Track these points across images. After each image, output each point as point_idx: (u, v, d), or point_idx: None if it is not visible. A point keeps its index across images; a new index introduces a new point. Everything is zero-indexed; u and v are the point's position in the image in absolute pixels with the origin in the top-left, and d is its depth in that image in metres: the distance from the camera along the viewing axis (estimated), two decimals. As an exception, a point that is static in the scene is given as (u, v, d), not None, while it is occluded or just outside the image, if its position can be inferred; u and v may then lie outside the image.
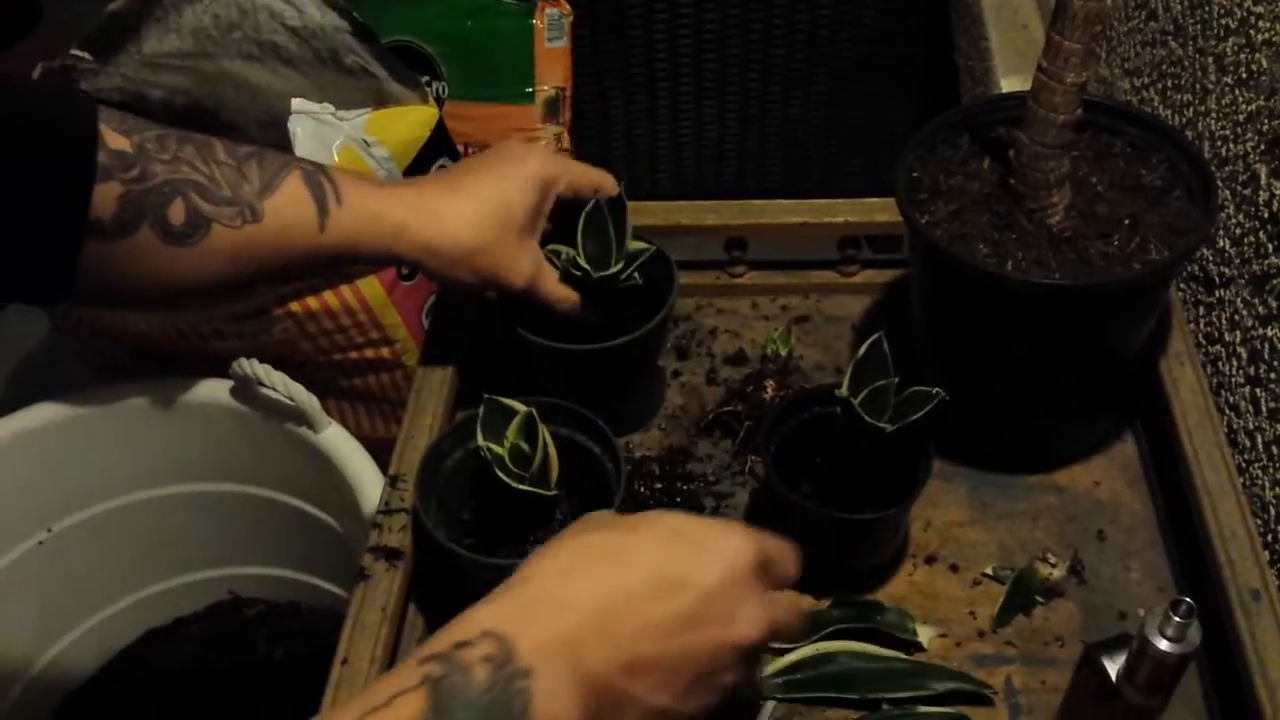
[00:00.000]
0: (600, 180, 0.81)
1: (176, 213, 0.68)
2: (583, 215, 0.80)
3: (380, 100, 1.28)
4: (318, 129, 1.21)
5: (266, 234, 0.71)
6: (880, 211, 0.91)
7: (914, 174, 0.78)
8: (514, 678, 0.49)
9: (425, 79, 1.42)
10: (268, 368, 1.11)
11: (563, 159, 0.81)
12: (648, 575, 0.52)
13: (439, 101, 1.45)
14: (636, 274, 0.81)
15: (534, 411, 0.72)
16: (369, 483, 1.09)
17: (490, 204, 0.76)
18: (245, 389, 1.15)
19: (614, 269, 0.79)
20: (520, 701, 0.48)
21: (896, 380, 0.71)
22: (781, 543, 0.57)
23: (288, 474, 1.22)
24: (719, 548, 0.54)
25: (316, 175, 0.73)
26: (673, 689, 0.52)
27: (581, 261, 0.79)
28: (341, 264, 0.77)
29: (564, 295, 0.80)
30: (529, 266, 0.78)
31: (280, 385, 1.10)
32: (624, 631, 0.51)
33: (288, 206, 0.71)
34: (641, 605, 0.52)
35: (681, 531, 0.54)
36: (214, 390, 1.18)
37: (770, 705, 0.72)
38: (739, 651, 0.54)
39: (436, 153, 1.29)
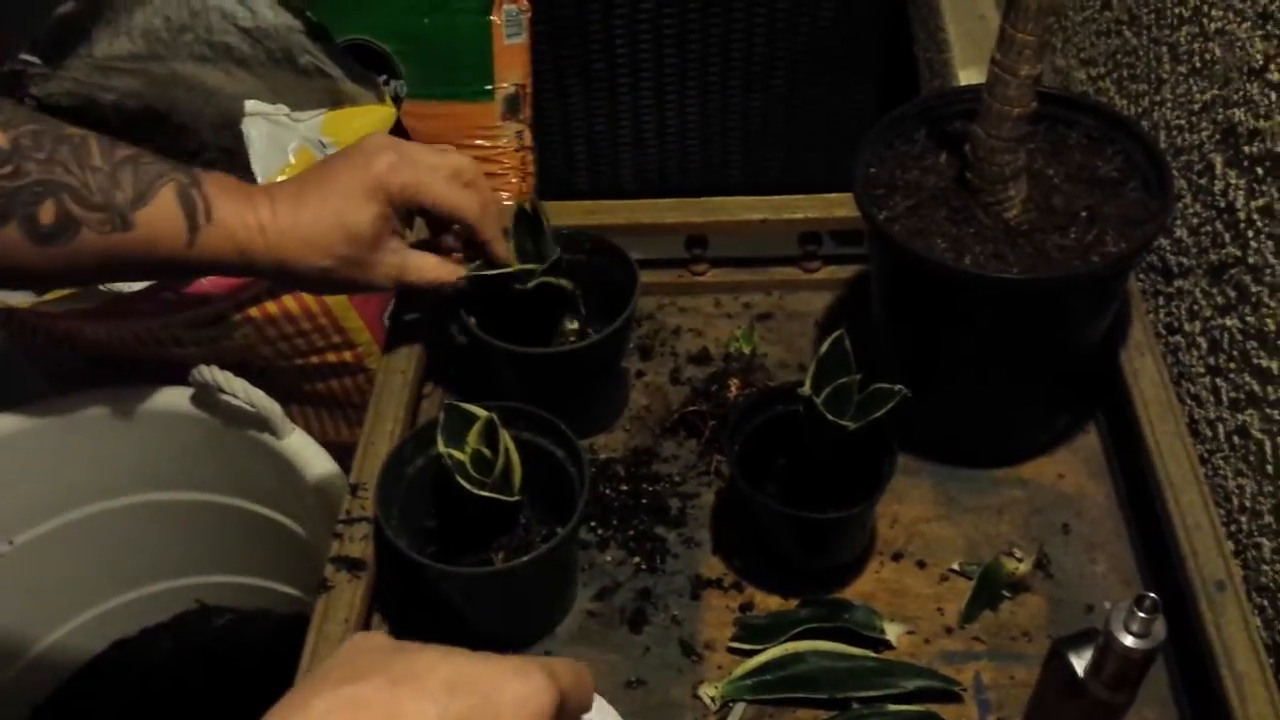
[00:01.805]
0: (461, 207, 0.78)
1: (46, 213, 0.67)
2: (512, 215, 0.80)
3: (336, 100, 1.27)
4: (273, 130, 1.19)
5: (135, 243, 0.70)
6: (840, 207, 0.90)
7: (871, 169, 0.77)
8: None
9: (383, 78, 1.40)
10: (228, 374, 1.09)
11: (420, 167, 0.77)
12: None
13: (397, 100, 1.43)
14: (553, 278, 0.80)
15: (495, 416, 0.71)
16: (333, 488, 1.08)
17: (331, 224, 0.75)
18: (205, 396, 1.14)
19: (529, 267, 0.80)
20: None
21: (859, 377, 0.71)
22: (575, 669, 0.49)
23: (251, 481, 1.21)
24: (511, 700, 0.45)
25: (190, 190, 0.72)
26: None
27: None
28: (210, 274, 0.77)
29: (440, 275, 0.80)
30: (389, 270, 0.78)
31: (241, 392, 1.09)
32: None
33: (159, 218, 0.70)
34: None
35: (464, 683, 0.44)
36: (174, 398, 1.16)
37: (740, 707, 0.71)
38: None
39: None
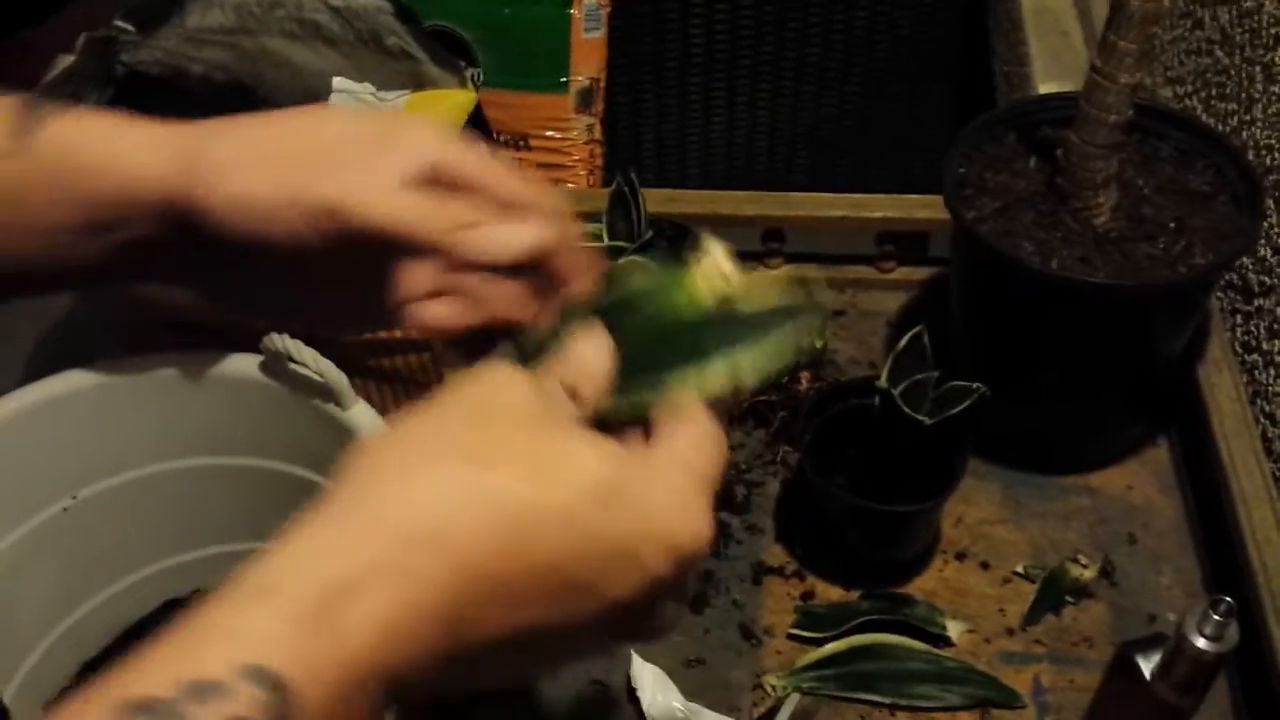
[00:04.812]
0: None
1: None
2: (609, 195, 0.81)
3: (419, 83, 1.28)
4: (358, 109, 1.21)
5: None
6: (919, 208, 0.91)
7: (960, 169, 0.78)
8: None
9: (462, 64, 1.42)
10: (299, 343, 1.11)
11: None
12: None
13: (476, 87, 1.45)
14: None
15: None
16: (396, 461, 1.09)
17: None
18: (275, 364, 1.15)
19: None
20: None
21: (936, 374, 0.71)
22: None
23: (314, 450, 1.22)
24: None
25: None
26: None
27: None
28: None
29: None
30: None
31: (311, 361, 1.10)
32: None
33: None
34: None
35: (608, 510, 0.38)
36: (244, 364, 1.17)
37: (795, 698, 0.72)
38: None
39: (473, 138, 1.29)
